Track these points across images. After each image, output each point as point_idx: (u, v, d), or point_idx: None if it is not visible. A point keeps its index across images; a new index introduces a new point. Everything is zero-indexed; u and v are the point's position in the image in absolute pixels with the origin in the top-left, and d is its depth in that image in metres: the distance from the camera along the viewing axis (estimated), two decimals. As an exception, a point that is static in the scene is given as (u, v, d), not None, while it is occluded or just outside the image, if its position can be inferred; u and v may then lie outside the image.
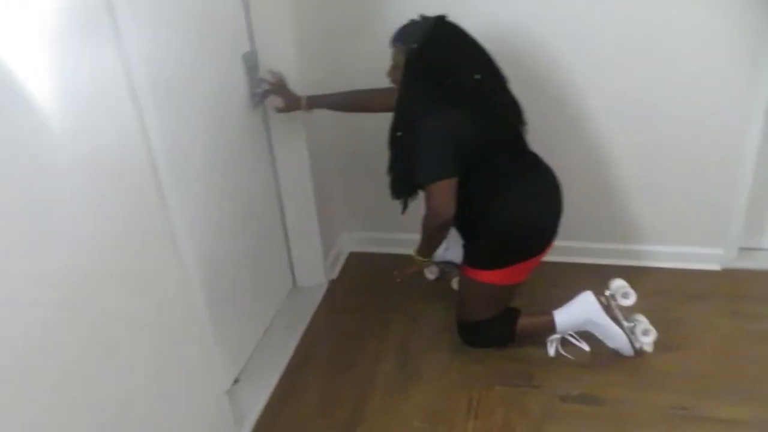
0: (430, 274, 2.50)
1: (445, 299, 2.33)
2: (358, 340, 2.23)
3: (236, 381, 2.06)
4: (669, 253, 2.47)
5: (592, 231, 2.49)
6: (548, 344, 2.06)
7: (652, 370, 1.97)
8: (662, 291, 2.32)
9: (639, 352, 2.00)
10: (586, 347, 2.05)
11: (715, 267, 2.44)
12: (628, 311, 2.02)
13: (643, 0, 2.07)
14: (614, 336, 1.98)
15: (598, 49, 2.18)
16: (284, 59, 2.12)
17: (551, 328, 2.03)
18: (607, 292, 2.03)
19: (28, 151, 1.04)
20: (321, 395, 2.01)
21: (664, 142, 2.29)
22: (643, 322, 1.99)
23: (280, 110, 2.14)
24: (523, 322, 2.05)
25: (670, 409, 1.83)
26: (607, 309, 1.99)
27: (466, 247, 2.04)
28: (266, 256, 2.33)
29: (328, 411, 1.94)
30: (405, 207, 1.99)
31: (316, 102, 2.13)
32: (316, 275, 2.54)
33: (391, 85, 1.93)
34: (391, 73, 1.91)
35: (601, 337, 2.02)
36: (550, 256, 2.04)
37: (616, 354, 2.03)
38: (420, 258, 2.03)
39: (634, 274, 2.22)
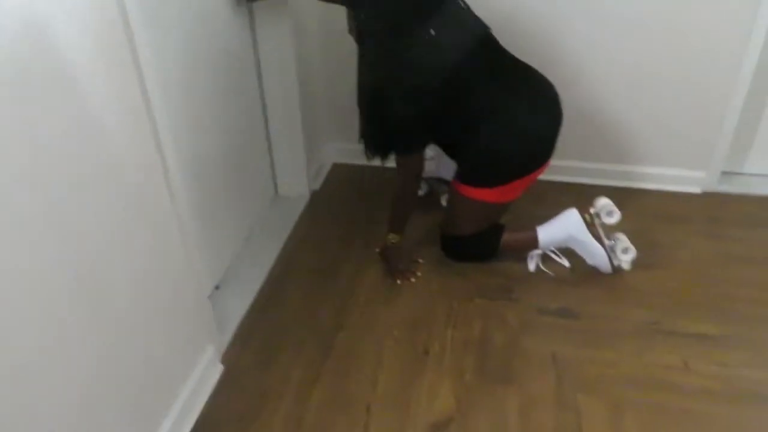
0: (419, 190, 2.49)
1: (429, 214, 2.32)
2: (341, 251, 2.23)
3: (217, 287, 2.06)
4: (652, 175, 2.48)
5: (576, 150, 2.47)
6: (529, 259, 2.09)
7: (629, 287, 2.02)
8: (642, 211, 2.35)
9: (617, 270, 2.04)
10: (566, 263, 2.08)
11: (696, 190, 2.47)
12: (610, 230, 2.04)
13: None
14: (595, 253, 2.01)
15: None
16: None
17: (534, 244, 2.05)
18: (592, 210, 2.03)
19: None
20: (302, 303, 2.03)
21: (657, 62, 2.25)
22: (623, 240, 2.02)
23: None
24: (507, 237, 2.06)
25: (643, 323, 1.89)
26: (590, 227, 2.01)
27: (459, 162, 2.00)
28: (249, 163, 2.28)
29: (309, 318, 1.96)
30: (383, 161, 1.95)
31: None
32: (299, 185, 2.51)
33: None
34: (350, 31, 1.87)
35: (581, 254, 2.05)
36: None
37: (594, 271, 2.07)
38: (396, 238, 2.07)
39: (615, 194, 2.21)
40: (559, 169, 2.31)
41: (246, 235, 2.29)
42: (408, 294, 2.04)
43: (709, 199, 2.44)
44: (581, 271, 2.08)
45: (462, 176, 1.98)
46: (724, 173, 2.48)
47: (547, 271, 2.08)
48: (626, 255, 2.02)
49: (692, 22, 2.15)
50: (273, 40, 2.17)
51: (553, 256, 2.10)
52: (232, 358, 1.83)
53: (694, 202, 2.43)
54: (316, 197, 2.54)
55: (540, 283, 2.06)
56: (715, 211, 2.37)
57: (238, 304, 2.01)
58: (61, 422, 1.19)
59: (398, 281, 2.08)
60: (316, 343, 1.87)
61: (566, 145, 2.32)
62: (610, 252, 2.01)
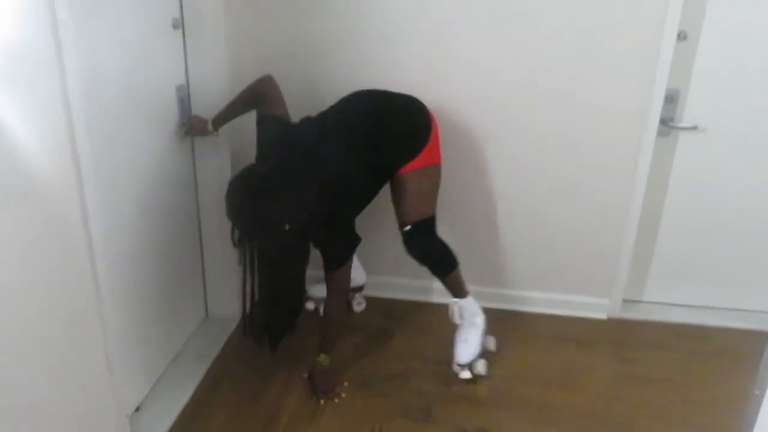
0: (311, 304, 2.63)
1: (350, 334, 2.43)
2: (267, 371, 2.27)
3: (137, 409, 2.04)
4: (560, 301, 2.69)
5: (487, 277, 2.68)
6: (452, 302, 2.28)
7: (542, 406, 2.13)
8: (553, 336, 2.53)
9: (463, 365, 2.24)
10: (456, 321, 2.30)
11: (602, 316, 2.68)
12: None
13: (537, 71, 2.35)
14: (470, 343, 2.25)
15: (498, 104, 2.43)
16: (215, 93, 2.22)
17: (463, 294, 2.28)
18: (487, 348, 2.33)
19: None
20: (226, 424, 2.03)
21: (558, 199, 2.54)
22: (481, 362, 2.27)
23: (187, 132, 2.21)
24: (458, 275, 2.27)
25: (555, 442, 1.99)
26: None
27: (393, 156, 2.13)
28: (181, 284, 2.35)
29: (232, 438, 1.96)
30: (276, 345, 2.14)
31: (219, 120, 2.18)
32: (230, 306, 2.56)
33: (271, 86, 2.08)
34: None
35: (464, 333, 2.28)
36: (446, 299, 2.27)
37: (510, 390, 2.20)
38: (326, 360, 2.17)
39: (525, 320, 2.41)
40: (474, 294, 2.49)
41: (172, 356, 2.30)
42: (332, 414, 2.08)
43: (613, 324, 2.64)
44: (498, 389, 2.21)
45: (402, 161, 2.11)
46: (626, 301, 2.71)
47: (455, 321, 2.29)
48: (476, 367, 2.25)
49: (583, 163, 2.46)
50: (212, 168, 2.34)
51: (456, 311, 2.28)
52: (148, 481, 1.79)
53: (601, 327, 2.62)
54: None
55: (458, 403, 2.15)
56: (619, 335, 2.56)
57: (159, 426, 1.99)
58: None
59: (322, 401, 2.12)
60: (237, 464, 1.86)
61: (474, 271, 2.53)
62: (476, 357, 2.25)
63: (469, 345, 2.25)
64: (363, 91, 2.22)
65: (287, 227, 1.82)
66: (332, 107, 2.16)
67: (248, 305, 2.00)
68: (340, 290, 2.12)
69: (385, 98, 2.20)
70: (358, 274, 2.59)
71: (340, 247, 2.06)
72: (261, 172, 1.88)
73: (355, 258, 2.45)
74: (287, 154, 1.94)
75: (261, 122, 2.04)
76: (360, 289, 2.68)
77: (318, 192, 1.87)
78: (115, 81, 1.76)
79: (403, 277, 2.72)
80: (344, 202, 2.01)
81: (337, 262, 2.06)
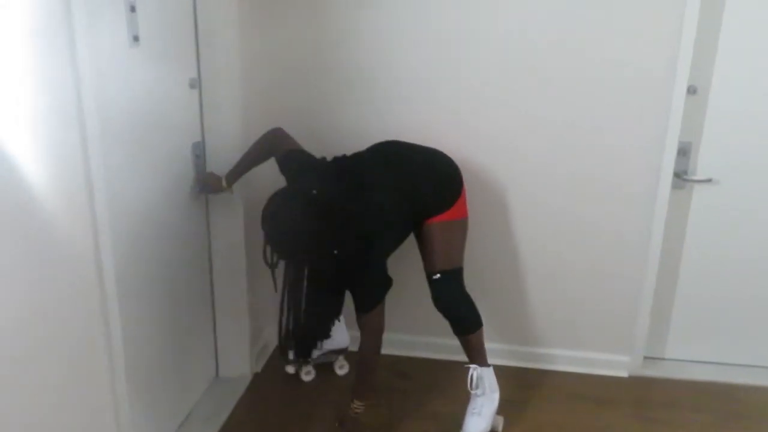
0: (307, 375, 2.54)
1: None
2: (279, 434, 2.20)
3: (146, 474, 1.97)
4: (579, 359, 2.61)
5: (504, 334, 2.62)
6: (472, 369, 2.17)
7: (565, 471, 2.05)
8: (573, 394, 2.45)
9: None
10: (471, 390, 2.16)
11: (623, 374, 2.60)
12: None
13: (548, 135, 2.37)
14: (483, 417, 2.14)
15: (516, 166, 2.43)
16: (230, 150, 2.23)
17: (484, 362, 2.19)
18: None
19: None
20: (236, 490, 1.95)
21: (576, 254, 2.51)
22: None
23: (201, 190, 2.23)
24: (481, 337, 2.20)
25: None
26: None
27: (428, 206, 2.12)
28: (192, 344, 2.31)
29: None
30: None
31: (233, 175, 2.19)
32: (241, 367, 2.51)
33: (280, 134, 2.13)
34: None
35: (478, 406, 2.16)
36: (461, 356, 2.20)
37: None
38: (361, 406, 2.09)
39: (545, 377, 2.33)
40: (491, 352, 2.44)
41: (182, 419, 2.24)
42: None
43: (635, 382, 2.56)
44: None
45: (433, 212, 2.11)
46: (648, 358, 2.64)
47: (472, 390, 2.16)
48: None
49: (599, 218, 2.45)
50: (225, 225, 2.35)
51: (475, 378, 2.16)
52: None
53: (621, 385, 2.54)
54: (257, 379, 2.53)
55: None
56: (641, 394, 2.48)
57: (167, 492, 1.91)
58: None
59: None
60: None
61: (493, 328, 2.48)
62: None
63: (482, 419, 2.14)
64: (394, 141, 2.24)
65: (335, 252, 1.85)
66: (367, 150, 2.19)
67: (283, 328, 1.99)
68: (375, 332, 2.03)
69: (419, 150, 2.21)
70: (341, 335, 2.51)
71: (374, 287, 2.01)
72: (313, 192, 1.87)
73: (342, 318, 2.41)
74: (333, 180, 1.98)
75: (287, 158, 2.06)
76: (343, 351, 2.56)
77: (361, 222, 1.90)
78: (133, 139, 1.78)
79: (416, 334, 2.66)
80: (383, 236, 1.99)
81: (371, 303, 2.00)
